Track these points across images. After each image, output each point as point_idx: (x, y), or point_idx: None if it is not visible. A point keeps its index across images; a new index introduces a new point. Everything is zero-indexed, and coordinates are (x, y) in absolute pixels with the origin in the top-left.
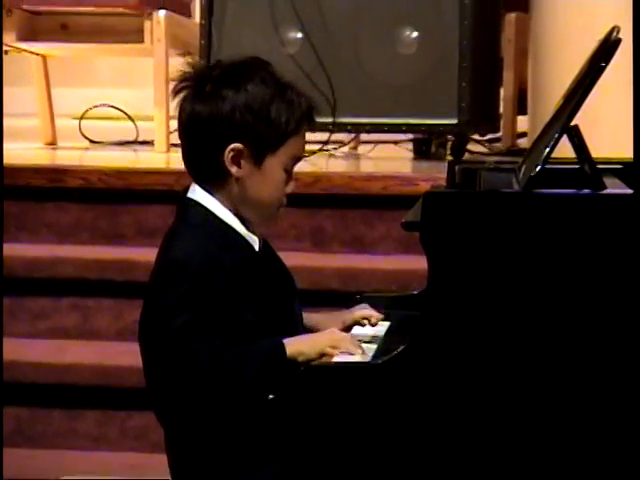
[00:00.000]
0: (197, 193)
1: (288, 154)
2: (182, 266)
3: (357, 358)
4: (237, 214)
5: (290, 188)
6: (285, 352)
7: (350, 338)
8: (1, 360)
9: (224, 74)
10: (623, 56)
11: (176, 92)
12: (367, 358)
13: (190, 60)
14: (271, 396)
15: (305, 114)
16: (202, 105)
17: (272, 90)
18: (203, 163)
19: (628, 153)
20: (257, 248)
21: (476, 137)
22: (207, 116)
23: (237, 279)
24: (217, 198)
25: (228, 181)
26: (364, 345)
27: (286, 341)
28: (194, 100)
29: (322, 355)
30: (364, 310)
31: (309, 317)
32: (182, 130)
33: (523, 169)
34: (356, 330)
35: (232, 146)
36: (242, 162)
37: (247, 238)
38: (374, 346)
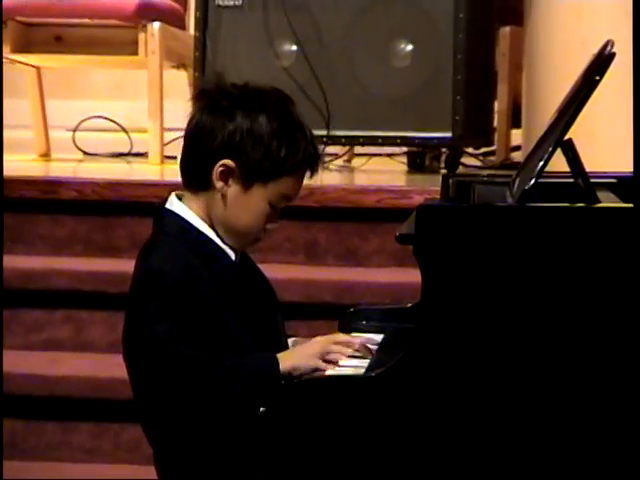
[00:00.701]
0: (174, 204)
1: (278, 190)
2: (161, 275)
3: (350, 371)
4: (212, 227)
5: (272, 225)
6: (279, 367)
7: (341, 346)
8: (1, 372)
9: (243, 96)
10: (618, 69)
11: (195, 100)
12: (361, 371)
13: (216, 75)
14: (262, 409)
15: (307, 159)
16: (210, 117)
17: (281, 125)
18: (194, 170)
19: (622, 167)
20: (234, 258)
21: (470, 150)
22: (210, 128)
23: (217, 288)
24: (195, 209)
25: (211, 194)
26: (355, 361)
27: (280, 356)
28: (205, 110)
29: (316, 369)
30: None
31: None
32: (185, 133)
33: (517, 182)
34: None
35: (224, 161)
36: (230, 181)
37: (224, 248)
38: (366, 361)
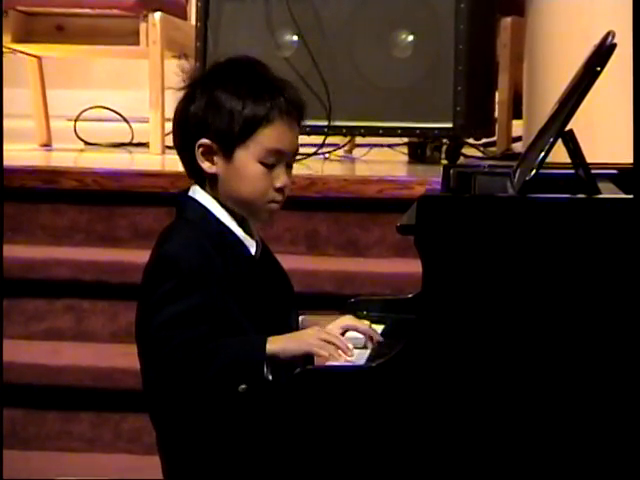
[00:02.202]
0: (197, 192)
1: (261, 146)
2: (174, 260)
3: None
4: (233, 215)
5: (280, 182)
6: (265, 348)
7: (339, 339)
8: (1, 362)
9: (205, 76)
10: (619, 61)
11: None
12: (360, 362)
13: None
14: (243, 387)
15: (277, 105)
16: (180, 105)
17: (237, 86)
18: (185, 162)
19: (623, 158)
20: (253, 251)
21: (471, 141)
22: (180, 116)
23: (230, 279)
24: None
25: (209, 179)
26: (357, 351)
27: (271, 338)
28: (181, 101)
29: (307, 354)
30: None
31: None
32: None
33: (518, 173)
34: (349, 334)
35: (200, 142)
36: (215, 158)
37: (244, 241)
38: (367, 351)
